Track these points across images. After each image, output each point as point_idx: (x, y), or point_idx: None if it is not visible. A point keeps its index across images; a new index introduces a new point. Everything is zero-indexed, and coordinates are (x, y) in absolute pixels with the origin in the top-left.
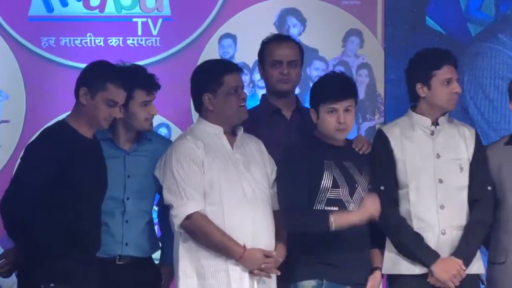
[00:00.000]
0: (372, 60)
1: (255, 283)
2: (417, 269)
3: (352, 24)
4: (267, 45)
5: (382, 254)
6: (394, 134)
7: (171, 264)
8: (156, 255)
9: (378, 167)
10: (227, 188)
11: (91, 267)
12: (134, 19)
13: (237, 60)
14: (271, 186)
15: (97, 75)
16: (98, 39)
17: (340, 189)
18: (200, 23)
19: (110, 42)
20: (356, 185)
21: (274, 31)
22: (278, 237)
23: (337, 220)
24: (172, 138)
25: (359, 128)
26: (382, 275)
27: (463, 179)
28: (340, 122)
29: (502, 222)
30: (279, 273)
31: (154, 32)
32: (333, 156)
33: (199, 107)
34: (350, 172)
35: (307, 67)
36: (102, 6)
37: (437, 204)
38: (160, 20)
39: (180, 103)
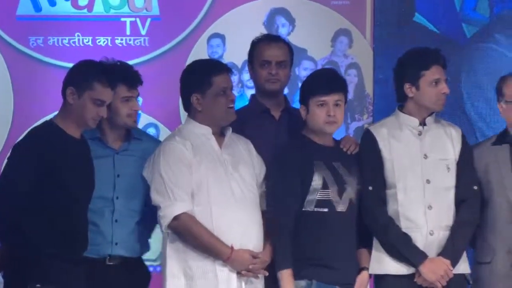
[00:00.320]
0: (361, 60)
1: (243, 283)
2: (404, 269)
3: (341, 24)
4: (256, 45)
5: (370, 254)
6: (382, 134)
7: None
8: (146, 256)
9: (366, 167)
10: (215, 188)
11: (79, 267)
12: (122, 19)
13: (226, 60)
14: (259, 186)
15: (84, 75)
16: (86, 39)
17: (330, 190)
18: (189, 23)
19: (99, 42)
20: (345, 186)
21: (263, 31)
22: (266, 238)
23: None
24: (161, 138)
25: (347, 128)
26: (370, 275)
27: (450, 179)
28: (329, 115)
29: (489, 222)
30: (267, 274)
31: (143, 32)
32: (322, 156)
33: (187, 107)
34: (339, 173)
35: (296, 67)
36: (90, 5)
37: (424, 204)
38: (148, 20)
39: (169, 103)
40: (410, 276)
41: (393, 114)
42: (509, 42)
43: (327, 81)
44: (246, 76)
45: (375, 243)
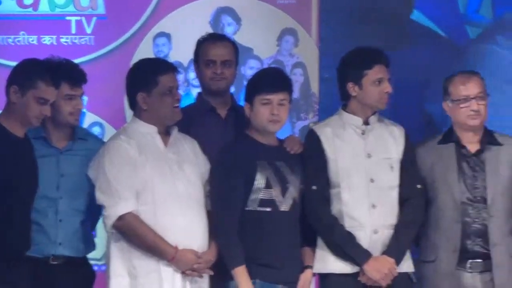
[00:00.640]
0: (307, 59)
1: (187, 283)
2: (348, 268)
3: (287, 23)
4: (201, 45)
5: (313, 252)
6: (326, 133)
7: None
8: (91, 255)
9: (310, 166)
10: (160, 188)
11: (22, 266)
12: (68, 18)
13: (172, 58)
14: (204, 185)
15: (27, 73)
16: (31, 38)
17: (273, 189)
18: (135, 22)
19: (44, 41)
20: (288, 185)
21: (209, 29)
22: (211, 237)
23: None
24: (106, 137)
25: (293, 127)
26: (314, 274)
27: (394, 178)
28: (273, 114)
29: (433, 221)
30: (211, 273)
31: (88, 31)
32: (266, 156)
33: (133, 106)
34: (282, 172)
35: (242, 66)
36: (35, 4)
37: (368, 203)
38: (94, 19)
39: (114, 102)
40: (355, 275)
41: (337, 113)
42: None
43: (272, 79)
44: (192, 74)
45: (319, 242)
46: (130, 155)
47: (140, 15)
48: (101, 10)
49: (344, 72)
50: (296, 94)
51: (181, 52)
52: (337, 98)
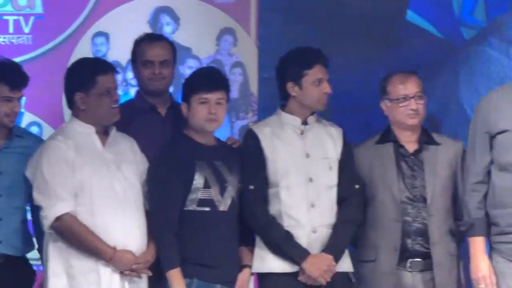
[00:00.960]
0: (246, 59)
1: (126, 283)
2: (288, 267)
3: (225, 22)
4: (139, 45)
5: (252, 251)
6: (265, 133)
7: None
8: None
9: (248, 166)
10: (98, 188)
11: None
12: (5, 17)
13: (110, 58)
14: (143, 185)
15: None
16: None
17: (212, 189)
18: (73, 21)
19: None
20: (226, 185)
21: (148, 29)
22: (150, 237)
23: None
24: (44, 137)
25: (232, 126)
26: (252, 273)
27: (332, 178)
28: (211, 113)
29: (372, 220)
30: (150, 274)
31: (26, 30)
32: (204, 155)
33: (71, 106)
34: (220, 172)
35: (180, 65)
36: None
37: (307, 202)
38: (32, 18)
39: (52, 101)
40: (294, 274)
41: (276, 113)
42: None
43: (208, 79)
44: (130, 74)
45: (258, 241)
46: (67, 155)
47: (78, 14)
48: (39, 9)
49: (283, 72)
50: (235, 93)
51: (120, 51)
52: (276, 98)
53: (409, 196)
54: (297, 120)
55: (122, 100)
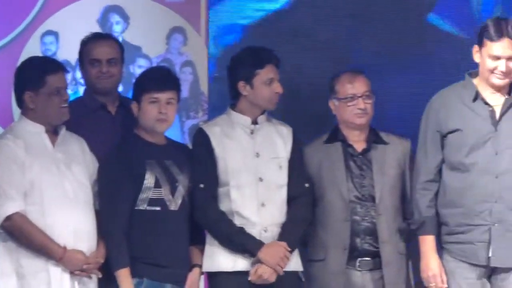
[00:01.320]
0: (196, 58)
1: (76, 283)
2: (237, 266)
3: (175, 21)
4: (86, 44)
5: (202, 251)
6: (215, 132)
7: None
8: None
9: (199, 165)
10: (48, 188)
11: None
12: None
13: (60, 57)
14: (93, 185)
15: None
16: None
17: (162, 189)
18: (22, 20)
19: None
20: (177, 184)
21: (97, 28)
22: (100, 238)
23: None
24: None
25: (183, 126)
26: (202, 273)
27: (283, 177)
28: (161, 112)
29: (321, 219)
30: (100, 275)
31: None
32: (154, 155)
33: (20, 105)
34: (171, 171)
35: (131, 64)
36: None
37: (258, 202)
38: None
39: (2, 100)
40: (244, 273)
41: (226, 112)
42: None
43: (159, 78)
44: (80, 73)
45: (208, 240)
46: (17, 154)
47: (27, 13)
48: None
49: (235, 71)
50: (185, 92)
51: (69, 50)
52: (226, 97)
53: (358, 195)
54: (247, 120)
55: (72, 98)
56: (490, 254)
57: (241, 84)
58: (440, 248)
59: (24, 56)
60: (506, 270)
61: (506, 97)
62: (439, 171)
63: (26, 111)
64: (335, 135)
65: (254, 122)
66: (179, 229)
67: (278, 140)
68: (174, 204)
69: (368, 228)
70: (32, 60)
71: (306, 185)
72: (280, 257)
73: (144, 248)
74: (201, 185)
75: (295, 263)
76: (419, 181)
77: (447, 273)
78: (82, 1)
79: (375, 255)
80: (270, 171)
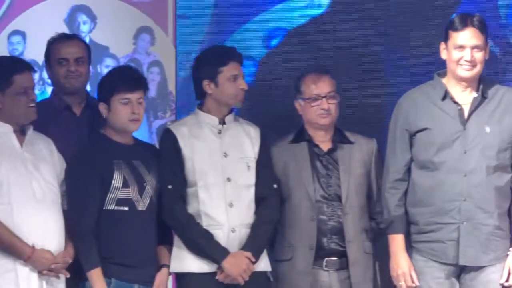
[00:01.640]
0: (164, 58)
1: (44, 283)
2: (206, 267)
3: (143, 21)
4: (52, 44)
5: (170, 251)
6: (182, 132)
7: None
8: None
9: (166, 166)
10: (16, 187)
11: None
12: None
13: (27, 57)
14: (60, 185)
15: None
16: None
17: (130, 189)
18: None
19: None
20: (145, 184)
21: (64, 28)
22: (68, 238)
23: None
24: None
25: (151, 126)
26: (170, 273)
27: (250, 178)
28: (134, 113)
29: (288, 219)
30: (68, 275)
31: None
32: (122, 155)
33: None
34: (139, 171)
35: (98, 64)
36: None
37: (226, 202)
38: None
39: None
40: (212, 274)
41: (193, 112)
42: None
43: (129, 78)
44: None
45: (176, 241)
46: None
47: None
48: None
49: (199, 70)
50: (153, 93)
51: (36, 50)
52: (194, 97)
53: (324, 195)
54: (214, 120)
55: (39, 99)
56: (459, 253)
57: (205, 83)
58: (410, 247)
59: None
60: (476, 269)
61: (475, 96)
62: (408, 170)
63: None
64: (301, 135)
65: (222, 122)
66: (147, 229)
67: (246, 140)
68: (142, 204)
69: (334, 228)
70: None
71: (274, 185)
72: (243, 269)
73: (112, 249)
74: (169, 186)
75: (263, 263)
76: (388, 180)
77: (416, 272)
78: (49, 1)
79: (342, 254)
80: (238, 171)
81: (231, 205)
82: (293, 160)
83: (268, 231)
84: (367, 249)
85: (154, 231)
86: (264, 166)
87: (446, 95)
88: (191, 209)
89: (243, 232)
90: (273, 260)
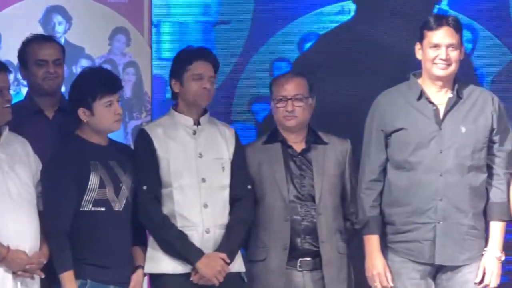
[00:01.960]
0: (139, 59)
1: (19, 284)
2: (180, 268)
3: (118, 22)
4: (29, 45)
5: (145, 252)
6: (157, 133)
7: None
8: None
9: (141, 166)
10: None
11: None
12: None
13: (2, 58)
14: (36, 186)
15: None
16: None
17: (106, 189)
18: None
19: None
20: (121, 185)
21: (39, 28)
22: (43, 238)
23: None
24: None
25: (126, 126)
26: (145, 274)
27: (225, 179)
28: (118, 113)
29: (262, 220)
30: (43, 276)
31: None
32: (98, 156)
33: None
34: (115, 172)
35: (73, 65)
36: None
37: (200, 203)
38: None
39: None
40: (186, 275)
41: (168, 113)
42: None
43: (110, 81)
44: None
45: (151, 242)
46: None
47: None
48: None
49: (171, 70)
50: (128, 93)
51: (12, 51)
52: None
53: (298, 195)
54: (189, 120)
55: (14, 100)
56: (435, 252)
57: (173, 82)
58: (385, 247)
59: None
60: (452, 268)
61: (450, 96)
62: (383, 171)
63: None
64: (275, 136)
65: (197, 123)
66: (123, 230)
67: (221, 141)
68: (119, 204)
69: (308, 228)
70: None
71: (249, 186)
72: (218, 270)
73: (88, 250)
74: (144, 187)
75: (238, 264)
76: (363, 181)
77: (392, 274)
78: (24, 2)
79: (316, 255)
80: (212, 172)
81: (205, 206)
82: (266, 161)
83: (242, 232)
84: (341, 250)
85: (130, 231)
86: (239, 167)
87: (421, 95)
88: (166, 209)
89: (217, 233)
90: (247, 261)
